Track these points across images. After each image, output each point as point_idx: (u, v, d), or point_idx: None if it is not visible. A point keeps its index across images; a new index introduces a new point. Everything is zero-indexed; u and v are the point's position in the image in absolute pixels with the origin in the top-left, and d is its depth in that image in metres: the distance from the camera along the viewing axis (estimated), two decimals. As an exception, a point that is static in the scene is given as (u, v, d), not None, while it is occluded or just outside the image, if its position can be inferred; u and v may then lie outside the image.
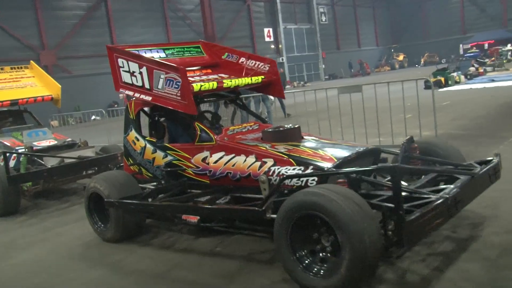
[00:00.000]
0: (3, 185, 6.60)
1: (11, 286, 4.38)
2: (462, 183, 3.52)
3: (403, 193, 3.37)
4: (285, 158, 4.14)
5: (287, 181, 4.01)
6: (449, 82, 20.66)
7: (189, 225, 4.90)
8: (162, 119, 5.65)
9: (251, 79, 5.23)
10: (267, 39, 43.60)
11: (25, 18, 27.90)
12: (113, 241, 5.04)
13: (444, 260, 3.48)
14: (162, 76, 4.71)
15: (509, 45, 40.33)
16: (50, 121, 20.93)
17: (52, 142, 7.94)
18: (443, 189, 3.50)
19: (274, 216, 3.69)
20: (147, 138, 5.43)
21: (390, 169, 3.03)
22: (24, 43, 27.81)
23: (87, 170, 7.48)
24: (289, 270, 3.34)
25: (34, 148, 7.50)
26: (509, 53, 37.24)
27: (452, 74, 21.65)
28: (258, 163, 4.27)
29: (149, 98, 4.95)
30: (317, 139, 4.76)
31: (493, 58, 32.50)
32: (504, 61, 31.19)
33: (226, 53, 5.79)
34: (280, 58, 42.26)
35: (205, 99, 5.58)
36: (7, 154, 6.93)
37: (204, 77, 5.23)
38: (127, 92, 5.20)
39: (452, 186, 3.49)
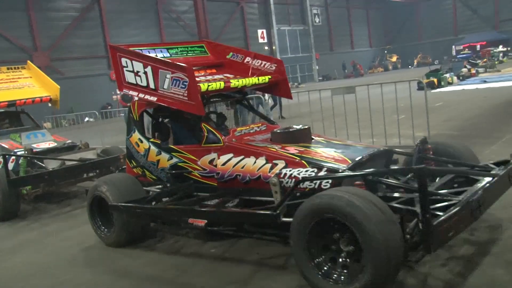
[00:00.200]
0: (3, 189, 6.42)
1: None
2: (484, 185, 3.44)
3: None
4: (297, 160, 4.04)
5: (299, 184, 3.92)
6: (442, 83, 20.82)
7: (195, 229, 4.80)
8: (166, 120, 5.53)
9: (258, 79, 5.13)
10: (260, 40, 43.52)
11: (17, 19, 27.65)
12: (117, 246, 4.92)
13: (466, 265, 3.41)
14: (168, 76, 4.59)
15: (500, 46, 40.72)
16: (43, 122, 20.69)
17: (51, 144, 7.76)
18: (463, 191, 3.42)
19: (289, 220, 3.61)
20: (151, 140, 5.30)
21: (417, 171, 2.93)
22: (17, 45, 27.56)
23: (88, 173, 7.32)
24: (307, 276, 3.24)
25: (33, 150, 7.32)
26: (501, 54, 37.57)
27: (444, 75, 21.83)
28: (269, 165, 4.16)
29: (154, 99, 4.83)
30: (327, 140, 4.67)
31: (485, 60, 32.77)
32: (496, 62, 31.47)
33: (231, 53, 5.68)
34: (274, 60, 42.07)
35: (212, 100, 5.46)
36: (7, 157, 6.75)
37: (209, 77, 5.12)
38: (130, 92, 5.08)
39: (473, 188, 3.41)
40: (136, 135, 5.42)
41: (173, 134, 5.34)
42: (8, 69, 8.85)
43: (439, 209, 3.14)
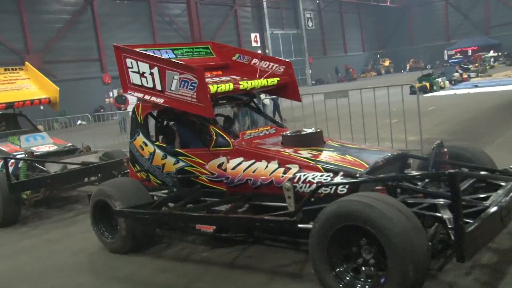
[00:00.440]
0: (3, 193, 6.19)
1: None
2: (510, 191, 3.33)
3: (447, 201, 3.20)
4: (311, 164, 3.93)
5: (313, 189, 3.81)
6: (434, 88, 21.00)
7: (203, 235, 4.67)
8: (171, 123, 5.40)
9: (267, 80, 5.02)
10: (254, 44, 43.41)
11: (9, 22, 27.30)
12: (122, 253, 4.78)
13: (493, 274, 3.31)
14: (176, 77, 4.46)
15: (491, 51, 41.06)
16: (38, 124, 20.40)
17: (52, 148, 7.56)
18: (488, 197, 3.32)
19: (306, 226, 3.50)
20: (156, 143, 5.17)
21: (450, 176, 2.83)
22: (9, 47, 27.19)
23: (90, 177, 7.13)
24: (327, 286, 3.11)
25: (34, 153, 7.11)
26: (492, 59, 37.90)
27: (437, 79, 22.04)
28: (282, 169, 4.05)
29: (161, 101, 4.70)
30: (340, 143, 4.57)
31: (476, 64, 33.06)
32: (487, 67, 31.73)
33: (237, 54, 5.58)
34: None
35: (219, 102, 5.34)
36: (8, 160, 6.53)
37: (216, 79, 5.00)
38: (136, 94, 4.95)
39: (499, 193, 3.32)
40: (141, 138, 5.29)
41: (179, 137, 5.20)
42: (5, 70, 8.61)
43: (466, 215, 3.04)
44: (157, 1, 35.72)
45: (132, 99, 26.85)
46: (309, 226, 3.52)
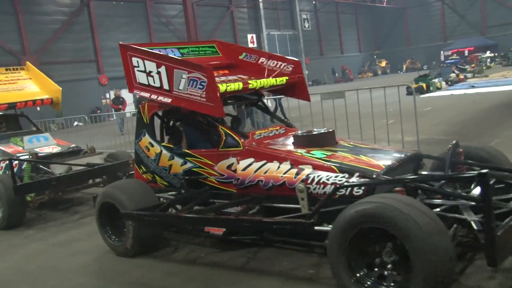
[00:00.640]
0: (8, 196, 6.03)
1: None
2: None
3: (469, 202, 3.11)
4: (325, 165, 3.84)
5: (328, 190, 3.73)
6: (431, 88, 21.01)
7: (213, 237, 4.57)
8: (178, 123, 5.30)
9: (276, 79, 4.93)
10: (250, 45, 43.26)
11: (6, 23, 27.16)
12: (129, 256, 4.66)
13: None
14: (184, 76, 4.36)
15: (488, 52, 41.17)
16: (32, 127, 20.22)
17: (55, 149, 7.40)
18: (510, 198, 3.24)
19: (323, 229, 3.41)
20: (163, 144, 5.06)
21: (481, 176, 2.74)
22: (5, 48, 27.05)
23: (95, 179, 6.99)
24: None
25: (38, 155, 6.96)
26: (488, 60, 37.97)
27: (433, 80, 22.10)
28: (294, 170, 3.95)
29: (168, 100, 4.59)
30: (353, 144, 4.48)
31: (473, 65, 33.16)
32: (484, 68, 31.80)
33: (244, 53, 5.49)
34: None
35: (228, 102, 5.25)
36: (13, 161, 6.38)
37: (223, 78, 4.90)
38: (142, 93, 4.84)
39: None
40: (147, 139, 5.18)
41: (186, 137, 5.10)
42: (6, 70, 8.45)
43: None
44: (154, 2, 35.61)
45: (129, 100, 26.83)
46: (325, 228, 3.46)
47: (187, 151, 4.82)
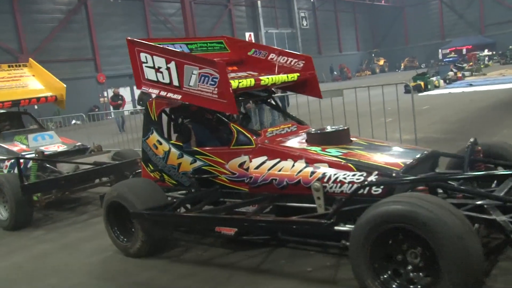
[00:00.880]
0: (16, 195, 5.87)
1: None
2: None
3: (493, 202, 3.02)
4: (342, 163, 3.74)
5: (345, 189, 3.64)
6: (429, 87, 21.01)
7: (224, 238, 4.47)
8: (186, 120, 5.20)
9: (287, 76, 4.83)
10: (248, 43, 43.22)
11: (3, 22, 26.96)
12: (138, 256, 4.55)
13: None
14: (195, 72, 4.25)
15: (486, 50, 41.19)
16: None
17: (61, 147, 7.24)
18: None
19: (344, 229, 3.32)
20: (171, 142, 4.95)
21: None
22: (2, 47, 26.86)
23: (102, 178, 6.85)
24: None
25: (44, 153, 6.80)
26: (486, 58, 37.99)
27: (431, 78, 22.08)
28: (310, 169, 3.86)
29: (178, 97, 4.49)
30: (368, 141, 4.39)
31: (471, 63, 33.14)
32: (482, 66, 31.79)
33: (253, 49, 5.39)
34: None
35: (239, 99, 5.14)
36: (21, 160, 6.25)
37: (233, 74, 4.80)
38: (150, 90, 4.74)
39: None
40: (155, 137, 5.06)
41: (195, 135, 4.99)
42: (9, 66, 8.29)
43: None
44: (152, 0, 35.44)
45: (128, 98, 26.65)
46: (345, 228, 3.37)
47: (197, 149, 4.71)
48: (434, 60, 45.30)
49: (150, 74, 4.66)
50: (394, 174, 3.48)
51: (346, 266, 3.70)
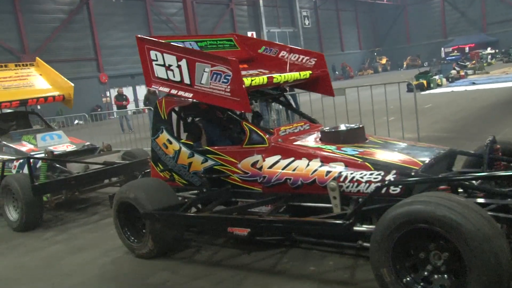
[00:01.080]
0: (26, 196, 5.79)
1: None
2: None
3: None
4: (359, 162, 3.66)
5: (362, 188, 3.56)
6: (431, 85, 20.97)
7: (235, 238, 4.39)
8: (197, 119, 5.12)
9: (300, 74, 4.74)
10: (250, 42, 43.13)
11: (5, 22, 27.03)
12: (148, 258, 4.47)
13: None
14: (207, 70, 4.17)
15: (489, 48, 41.12)
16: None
17: (70, 147, 7.13)
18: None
19: (363, 229, 3.25)
20: (182, 141, 4.87)
21: None
22: (5, 47, 26.88)
23: (111, 178, 6.76)
24: None
25: (54, 153, 6.71)
26: (489, 56, 37.89)
27: (434, 77, 22.01)
28: (325, 168, 3.78)
29: (189, 95, 4.40)
30: (383, 140, 4.31)
31: (473, 61, 33.11)
32: (485, 64, 31.69)
33: (263, 47, 5.31)
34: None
35: (251, 96, 5.07)
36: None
37: (244, 72, 4.72)
38: (161, 88, 4.65)
39: None
40: (164, 136, 4.98)
41: (206, 134, 4.91)
42: (16, 66, 8.21)
43: None
44: (153, 0, 35.41)
45: (130, 98, 26.58)
46: (363, 228, 3.30)
47: (208, 148, 4.63)
48: (437, 58, 45.19)
49: (160, 72, 4.58)
50: (413, 173, 3.40)
51: (363, 267, 3.64)
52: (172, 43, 4.60)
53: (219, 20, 40.34)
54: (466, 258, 2.53)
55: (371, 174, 3.56)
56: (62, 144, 7.18)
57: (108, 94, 32.04)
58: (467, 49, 43.56)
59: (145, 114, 15.76)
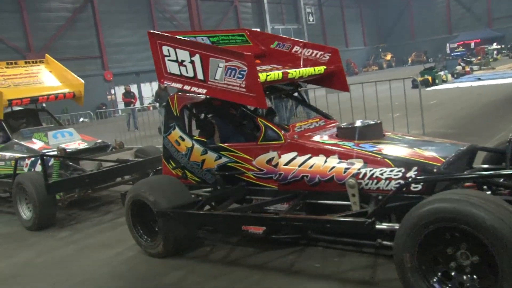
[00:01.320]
0: (39, 194, 5.72)
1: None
2: None
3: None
4: (379, 158, 3.59)
5: (382, 185, 3.49)
6: (436, 81, 20.86)
7: (250, 236, 4.33)
8: (210, 116, 5.05)
9: (314, 69, 4.66)
10: (254, 40, 43.01)
11: (10, 20, 27.10)
12: (162, 257, 4.42)
13: None
14: (221, 65, 4.09)
15: (494, 44, 40.81)
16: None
17: (82, 144, 7.06)
18: None
19: (385, 228, 3.18)
20: (195, 138, 4.80)
21: None
22: (10, 45, 26.93)
23: (125, 176, 6.69)
24: None
25: (66, 151, 6.64)
26: (495, 52, 37.64)
27: (439, 73, 21.93)
28: (343, 165, 3.70)
29: (203, 91, 4.33)
30: (401, 135, 4.24)
31: (479, 57, 32.89)
32: (490, 60, 31.51)
33: (276, 42, 5.23)
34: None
35: (266, 92, 4.99)
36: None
37: (257, 68, 4.64)
38: (173, 84, 4.57)
39: None
40: (177, 133, 4.92)
41: (219, 131, 4.84)
42: (26, 63, 8.18)
43: None
44: (157, -3, 35.39)
45: (136, 95, 26.53)
46: (385, 227, 3.23)
47: (222, 145, 4.56)
48: (442, 54, 44.93)
49: (172, 68, 4.50)
50: (435, 170, 3.33)
51: (384, 266, 3.58)
52: (184, 38, 4.52)
53: (223, 17, 40.24)
54: (498, 258, 2.45)
55: (391, 171, 3.49)
56: (73, 141, 7.11)
57: (113, 91, 32.04)
58: (472, 45, 43.27)
59: (150, 112, 15.69)
